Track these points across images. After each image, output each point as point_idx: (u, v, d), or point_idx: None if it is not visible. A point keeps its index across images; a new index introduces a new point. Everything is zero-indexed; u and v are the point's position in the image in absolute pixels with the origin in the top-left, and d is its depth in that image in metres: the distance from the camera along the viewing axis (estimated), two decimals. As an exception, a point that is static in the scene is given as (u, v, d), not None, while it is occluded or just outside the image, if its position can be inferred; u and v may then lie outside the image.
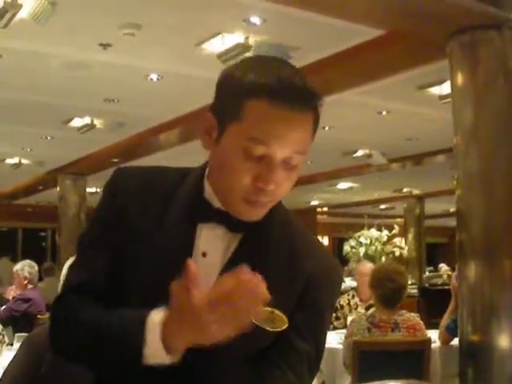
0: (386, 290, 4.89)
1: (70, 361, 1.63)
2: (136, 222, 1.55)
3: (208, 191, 1.56)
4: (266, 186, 1.44)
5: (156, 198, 1.58)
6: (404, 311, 5.02)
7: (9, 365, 3.11)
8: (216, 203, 1.55)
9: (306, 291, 1.58)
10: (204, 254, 1.54)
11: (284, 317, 1.49)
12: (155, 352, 1.39)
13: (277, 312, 1.48)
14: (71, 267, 1.66)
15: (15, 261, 10.26)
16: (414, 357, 4.78)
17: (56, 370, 2.82)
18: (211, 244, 1.55)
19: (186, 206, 1.56)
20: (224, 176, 1.49)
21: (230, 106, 1.45)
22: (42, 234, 21.58)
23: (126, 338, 1.41)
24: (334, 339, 5.64)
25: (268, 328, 1.48)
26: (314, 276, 1.59)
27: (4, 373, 3.08)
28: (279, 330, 1.50)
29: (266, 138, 1.42)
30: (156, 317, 1.39)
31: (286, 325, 1.49)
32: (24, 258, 8.00)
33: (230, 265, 1.53)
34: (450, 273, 14.20)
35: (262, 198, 1.48)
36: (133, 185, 1.60)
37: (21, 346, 3.14)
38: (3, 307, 7.07)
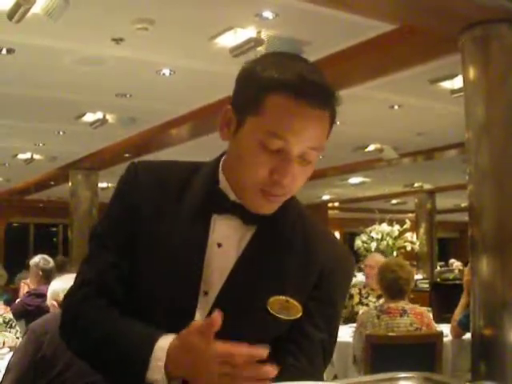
0: (386, 280, 5.06)
1: (75, 354, 1.65)
2: (150, 215, 1.57)
3: (223, 183, 1.58)
4: (282, 179, 1.46)
5: (170, 190, 1.59)
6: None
7: (15, 350, 3.69)
8: (231, 195, 1.57)
9: (320, 281, 1.61)
10: (219, 245, 1.56)
11: (299, 306, 1.51)
12: (156, 377, 1.41)
13: (291, 301, 1.51)
14: (83, 263, 1.66)
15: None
16: (426, 350, 4.80)
17: (52, 352, 3.30)
18: (226, 235, 1.57)
19: (200, 197, 1.58)
20: (241, 168, 1.51)
21: (250, 101, 1.47)
22: (54, 229, 21.63)
23: (131, 360, 1.45)
24: (346, 333, 5.66)
25: (283, 317, 1.50)
26: (327, 266, 1.62)
27: (12, 356, 3.59)
28: (294, 318, 1.52)
29: (283, 133, 1.44)
30: (163, 344, 1.42)
31: (301, 313, 1.51)
32: (35, 253, 8.00)
33: (244, 256, 1.56)
34: (461, 268, 14.17)
35: (278, 191, 1.49)
36: (147, 178, 1.61)
37: (25, 334, 3.63)
38: (17, 300, 7.11)
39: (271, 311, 1.49)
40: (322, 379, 1.67)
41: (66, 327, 1.64)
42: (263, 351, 1.33)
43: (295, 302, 1.51)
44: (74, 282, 1.65)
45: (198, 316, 1.53)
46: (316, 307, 1.60)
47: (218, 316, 1.34)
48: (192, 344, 1.38)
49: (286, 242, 1.60)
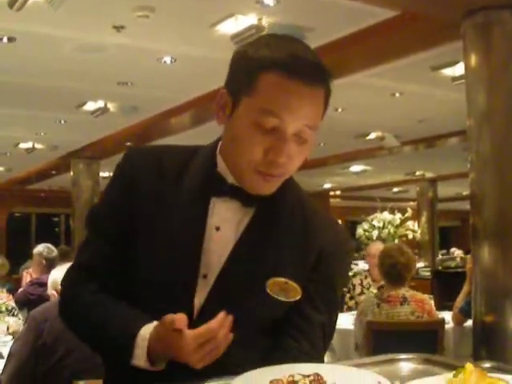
0: (386, 266, 5.03)
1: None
2: (149, 199, 1.58)
3: (221, 166, 1.58)
4: (277, 158, 1.47)
5: (168, 174, 1.60)
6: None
7: (16, 337, 3.75)
8: (230, 178, 1.57)
9: (319, 264, 1.61)
10: (218, 228, 1.57)
11: (297, 287, 1.51)
12: (141, 363, 1.48)
13: (291, 283, 1.51)
14: (80, 246, 1.70)
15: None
16: (428, 337, 4.79)
17: (52, 339, 3.33)
18: (224, 218, 1.58)
19: (199, 180, 1.58)
20: (237, 149, 1.52)
21: (244, 80, 1.48)
22: (55, 219, 21.63)
23: (117, 348, 1.52)
24: (347, 320, 5.66)
25: (282, 298, 1.50)
26: (325, 249, 1.62)
27: (13, 343, 3.64)
28: (293, 300, 1.52)
29: (277, 110, 1.44)
30: (145, 333, 1.47)
31: (300, 295, 1.52)
32: (37, 243, 8.00)
33: (242, 239, 1.57)
34: (463, 255, 14.17)
35: (274, 171, 1.50)
36: (144, 163, 1.62)
37: (25, 321, 3.70)
38: (20, 289, 7.12)
39: (270, 293, 1.50)
40: (322, 362, 1.67)
41: (63, 310, 1.69)
42: (224, 313, 1.41)
43: (294, 284, 1.51)
44: (69, 267, 1.71)
45: (197, 299, 1.55)
46: (316, 290, 1.61)
47: (182, 318, 1.41)
48: (167, 337, 1.44)
49: (285, 224, 1.60)
